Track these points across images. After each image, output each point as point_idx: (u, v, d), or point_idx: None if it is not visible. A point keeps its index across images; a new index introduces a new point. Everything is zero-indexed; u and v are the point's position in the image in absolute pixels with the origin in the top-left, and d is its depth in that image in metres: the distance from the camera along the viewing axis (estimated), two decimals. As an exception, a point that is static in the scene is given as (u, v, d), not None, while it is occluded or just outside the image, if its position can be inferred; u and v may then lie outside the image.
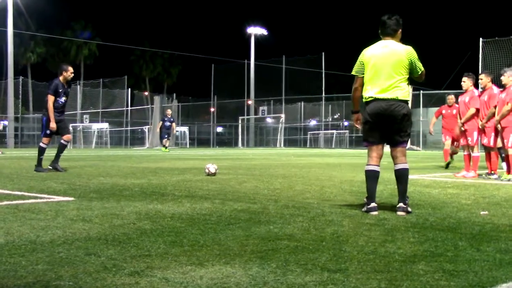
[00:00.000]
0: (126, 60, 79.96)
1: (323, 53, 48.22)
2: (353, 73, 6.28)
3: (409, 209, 5.97)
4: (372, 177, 6.21)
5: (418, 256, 3.89)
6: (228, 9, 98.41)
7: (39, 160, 11.88)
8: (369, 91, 6.10)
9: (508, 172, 10.74)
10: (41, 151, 11.97)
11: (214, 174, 10.93)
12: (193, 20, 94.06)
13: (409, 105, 6.24)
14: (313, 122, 55.48)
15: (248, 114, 53.73)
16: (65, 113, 12.68)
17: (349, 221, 5.38)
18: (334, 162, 18.57)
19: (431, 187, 9.04)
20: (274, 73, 51.00)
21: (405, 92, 6.08)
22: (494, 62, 36.51)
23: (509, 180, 10.34)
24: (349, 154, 29.30)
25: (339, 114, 55.35)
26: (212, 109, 55.61)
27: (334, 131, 51.66)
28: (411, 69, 6.09)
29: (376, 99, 6.04)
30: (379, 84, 6.04)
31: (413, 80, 6.33)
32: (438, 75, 59.48)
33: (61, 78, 11.94)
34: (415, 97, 37.89)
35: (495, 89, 11.30)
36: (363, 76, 6.17)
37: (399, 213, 5.88)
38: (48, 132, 11.92)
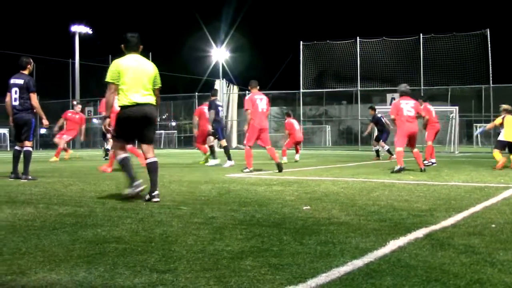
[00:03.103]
0: None
1: (150, 53, 47.81)
2: (109, 80, 7.14)
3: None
4: (128, 163, 7.23)
5: (245, 252, 4.00)
6: (50, 6, 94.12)
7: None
8: (130, 97, 7.08)
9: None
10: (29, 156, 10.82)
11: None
12: (9, 16, 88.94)
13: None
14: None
15: (74, 115, 51.80)
16: None
17: (178, 221, 5.40)
18: (163, 162, 18.51)
19: (257, 184, 9.32)
20: (101, 72, 49.66)
21: (154, 99, 7.32)
22: (313, 64, 38.62)
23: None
24: (177, 154, 29.35)
25: (167, 114, 55.22)
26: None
27: (163, 132, 51.43)
28: (155, 81, 7.33)
29: (138, 104, 7.09)
30: (139, 92, 7.12)
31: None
32: (263, 76, 61.46)
33: (27, 72, 10.66)
34: (242, 98, 38.83)
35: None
36: (118, 84, 7.10)
37: (155, 199, 6.88)
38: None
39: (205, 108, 17.05)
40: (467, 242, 4.40)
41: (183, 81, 68.25)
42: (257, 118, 13.22)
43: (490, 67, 32.91)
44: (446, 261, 3.76)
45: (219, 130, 16.39)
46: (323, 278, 3.33)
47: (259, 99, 13.37)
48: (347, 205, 6.64)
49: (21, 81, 10.52)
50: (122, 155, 7.21)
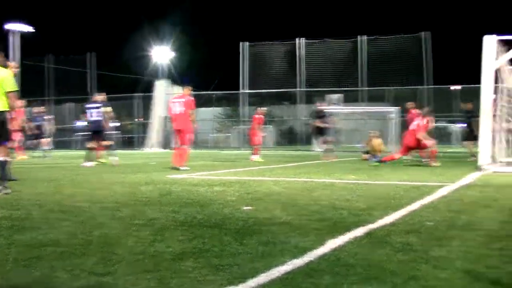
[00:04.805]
0: None
1: (91, 53, 47.08)
2: None
3: (9, 190, 7.94)
4: (5, 166, 8.18)
5: (186, 254, 3.99)
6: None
7: None
8: None
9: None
10: None
11: None
12: None
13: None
14: (80, 124, 53.84)
15: (11, 116, 50.43)
16: None
17: (119, 223, 5.34)
18: (104, 164, 18.23)
19: (199, 185, 9.29)
20: (40, 73, 48.53)
21: (3, 105, 8.02)
22: (255, 64, 38.94)
23: None
24: (117, 154, 28.93)
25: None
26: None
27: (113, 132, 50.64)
28: (4, 86, 8.02)
29: None
30: None
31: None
32: (205, 78, 61.20)
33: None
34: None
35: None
36: None
37: (4, 191, 7.81)
38: None
39: None
40: (404, 240, 4.51)
41: (126, 81, 67.32)
42: (173, 121, 14.27)
43: (431, 69, 34.07)
44: (384, 258, 3.84)
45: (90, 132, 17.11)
46: (263, 278, 3.35)
47: (173, 103, 14.18)
48: (289, 205, 6.69)
49: None
50: (2, 158, 8.19)
